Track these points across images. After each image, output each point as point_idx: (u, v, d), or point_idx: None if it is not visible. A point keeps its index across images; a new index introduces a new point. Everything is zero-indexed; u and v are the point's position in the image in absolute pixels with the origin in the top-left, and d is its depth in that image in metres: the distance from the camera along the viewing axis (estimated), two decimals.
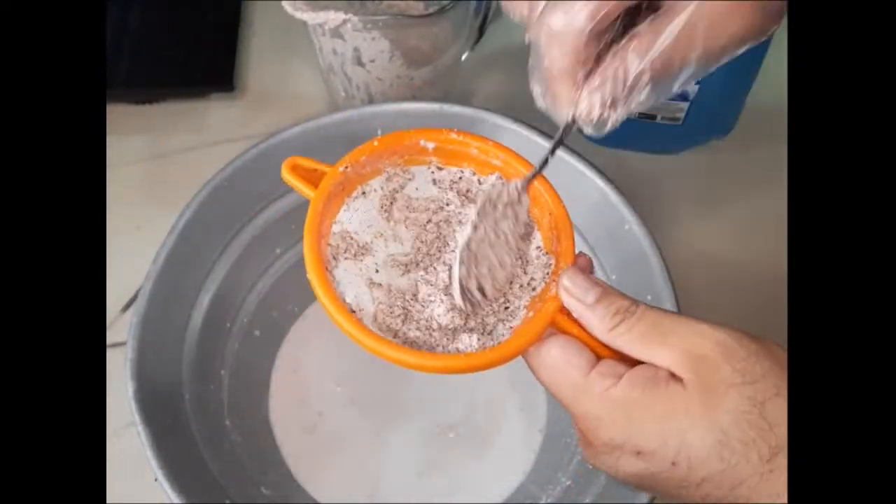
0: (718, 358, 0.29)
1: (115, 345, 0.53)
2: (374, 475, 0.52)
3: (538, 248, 0.36)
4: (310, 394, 0.55)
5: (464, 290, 0.34)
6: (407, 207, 0.38)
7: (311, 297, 0.57)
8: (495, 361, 0.32)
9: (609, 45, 0.31)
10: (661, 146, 0.64)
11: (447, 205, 0.38)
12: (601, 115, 0.32)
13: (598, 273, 0.51)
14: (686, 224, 0.61)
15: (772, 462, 0.28)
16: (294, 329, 0.57)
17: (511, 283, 0.36)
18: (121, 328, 0.55)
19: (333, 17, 0.52)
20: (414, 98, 0.60)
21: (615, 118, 0.32)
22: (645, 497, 0.41)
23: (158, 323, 0.46)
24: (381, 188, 0.38)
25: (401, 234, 0.37)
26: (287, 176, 0.36)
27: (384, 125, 0.52)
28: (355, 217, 0.37)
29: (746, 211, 0.62)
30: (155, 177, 0.63)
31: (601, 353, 0.33)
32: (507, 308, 0.35)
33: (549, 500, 0.50)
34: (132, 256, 0.51)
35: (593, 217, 0.50)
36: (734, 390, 0.29)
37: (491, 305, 0.35)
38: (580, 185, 0.50)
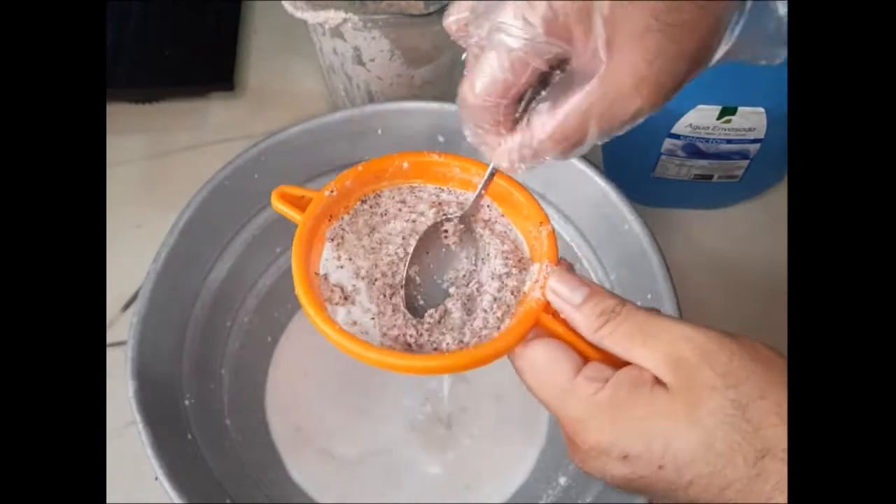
0: (699, 361, 0.29)
1: (115, 344, 0.54)
2: (373, 475, 0.52)
3: (522, 259, 0.37)
4: (310, 393, 0.55)
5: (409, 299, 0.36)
6: (385, 226, 0.39)
7: None
8: (479, 361, 0.33)
9: (529, 101, 0.32)
10: (716, 202, 0.62)
11: (422, 219, 0.39)
12: (514, 167, 0.33)
13: (599, 272, 0.51)
14: (686, 222, 0.61)
15: (758, 465, 0.28)
16: (294, 328, 0.57)
17: (495, 291, 0.36)
18: (121, 327, 0.55)
19: (333, 16, 0.52)
20: (414, 97, 0.60)
21: (529, 168, 0.33)
22: (642, 498, 0.41)
23: (159, 322, 0.46)
24: (364, 212, 0.39)
25: (381, 254, 0.38)
26: (277, 203, 0.38)
27: (384, 124, 0.52)
28: (341, 250, 0.38)
29: (749, 209, 0.62)
30: (155, 176, 0.64)
31: (588, 354, 0.33)
32: (493, 312, 0.36)
33: (549, 501, 0.50)
34: (132, 255, 0.52)
35: (594, 217, 0.50)
36: (716, 393, 0.29)
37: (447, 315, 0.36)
38: (580, 184, 0.50)
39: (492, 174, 0.37)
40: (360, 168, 0.38)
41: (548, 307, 0.34)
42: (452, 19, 0.33)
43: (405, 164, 0.39)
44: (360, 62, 0.57)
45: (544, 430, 0.53)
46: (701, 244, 0.60)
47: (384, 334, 0.36)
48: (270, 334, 0.56)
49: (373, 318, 0.36)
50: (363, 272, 0.38)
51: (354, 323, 0.36)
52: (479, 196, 0.38)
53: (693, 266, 0.58)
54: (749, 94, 0.49)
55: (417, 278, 0.37)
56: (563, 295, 0.33)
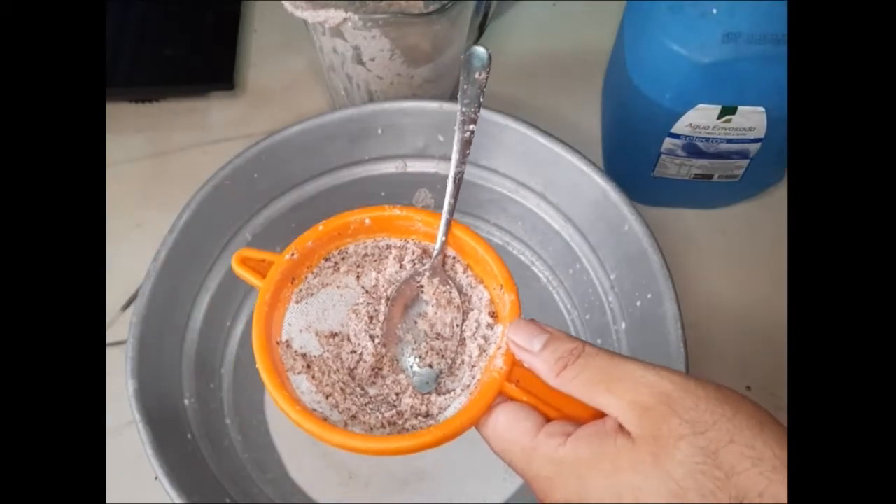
0: (665, 409, 0.29)
1: (115, 343, 0.54)
2: (373, 476, 0.52)
3: (489, 324, 0.37)
4: None
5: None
6: (352, 283, 0.39)
7: None
8: (442, 439, 0.33)
9: None
10: (716, 202, 0.62)
11: (389, 273, 0.39)
12: None
13: (599, 272, 0.51)
14: (686, 222, 0.61)
15: None
16: None
17: (457, 360, 0.37)
18: (121, 327, 0.55)
19: (333, 15, 0.52)
20: (414, 96, 0.60)
21: None
22: None
23: (159, 321, 0.46)
24: (328, 269, 0.39)
25: (348, 312, 0.38)
26: (237, 269, 0.37)
27: (384, 123, 0.52)
28: (302, 315, 0.38)
29: (749, 209, 0.62)
30: (155, 175, 0.64)
31: (551, 415, 0.32)
32: (461, 380, 0.36)
33: None
34: (132, 255, 0.52)
35: (593, 216, 0.50)
36: (684, 442, 0.28)
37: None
38: (580, 183, 0.50)
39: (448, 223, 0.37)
40: (320, 228, 0.38)
41: (511, 376, 0.33)
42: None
43: (367, 220, 0.38)
44: (360, 61, 0.57)
45: None
46: (701, 244, 0.60)
47: (346, 409, 0.35)
48: None
49: (336, 386, 0.35)
50: (327, 332, 0.37)
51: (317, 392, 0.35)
52: (442, 252, 0.37)
53: (693, 266, 0.58)
54: (749, 94, 0.49)
55: (389, 349, 0.37)
56: (523, 343, 0.33)
